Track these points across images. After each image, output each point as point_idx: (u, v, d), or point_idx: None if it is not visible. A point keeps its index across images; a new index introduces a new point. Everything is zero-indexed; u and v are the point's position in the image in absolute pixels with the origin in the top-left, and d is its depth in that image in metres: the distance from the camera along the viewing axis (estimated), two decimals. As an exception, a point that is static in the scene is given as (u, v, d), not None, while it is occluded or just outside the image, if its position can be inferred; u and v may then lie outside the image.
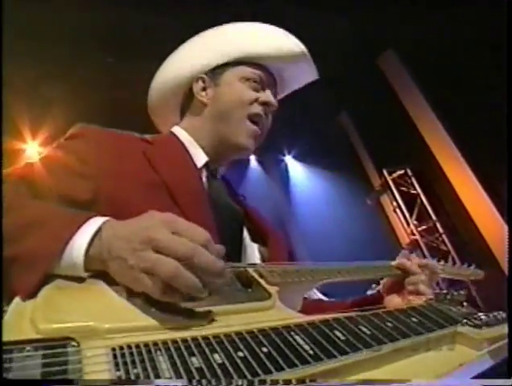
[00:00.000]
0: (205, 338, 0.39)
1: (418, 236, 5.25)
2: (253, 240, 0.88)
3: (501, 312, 0.68)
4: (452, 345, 0.57)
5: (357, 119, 5.73)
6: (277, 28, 0.94)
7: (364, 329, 0.49)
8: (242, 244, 0.85)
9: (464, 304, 0.72)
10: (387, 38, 4.87)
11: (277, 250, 0.88)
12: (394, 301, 0.84)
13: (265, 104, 0.90)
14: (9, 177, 0.65)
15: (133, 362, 0.34)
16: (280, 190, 6.23)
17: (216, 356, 0.36)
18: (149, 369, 0.34)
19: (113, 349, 0.36)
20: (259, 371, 0.35)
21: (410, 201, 5.39)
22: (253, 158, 6.01)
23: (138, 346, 0.36)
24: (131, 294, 0.46)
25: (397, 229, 5.55)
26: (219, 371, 0.35)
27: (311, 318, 0.49)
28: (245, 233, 0.88)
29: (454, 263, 1.13)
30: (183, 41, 1.01)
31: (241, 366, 0.36)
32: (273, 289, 0.61)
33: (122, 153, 0.76)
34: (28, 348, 0.33)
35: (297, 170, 6.27)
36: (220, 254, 0.47)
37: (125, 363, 0.34)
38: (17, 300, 0.43)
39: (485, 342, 0.59)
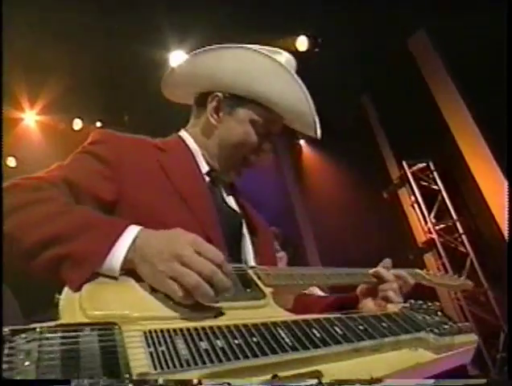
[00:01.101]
0: (211, 327, 0.58)
1: (435, 235, 5.35)
2: (248, 231, 1.10)
3: (466, 323, 0.86)
4: (414, 348, 0.75)
5: (379, 103, 5.77)
6: (305, 90, 1.03)
7: (337, 329, 0.68)
8: (242, 237, 1.06)
9: (439, 313, 0.90)
10: (419, 17, 4.86)
11: (264, 240, 1.12)
12: (367, 305, 1.02)
13: (262, 151, 1.09)
14: (50, 179, 0.82)
15: (159, 342, 0.53)
16: (291, 176, 6.38)
17: (219, 342, 0.55)
18: (170, 348, 0.53)
19: (145, 332, 0.55)
20: (249, 355, 0.54)
21: (430, 197, 5.46)
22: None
23: (162, 331, 0.55)
24: (154, 290, 0.65)
25: (413, 226, 5.66)
26: (220, 353, 0.54)
27: (295, 317, 0.68)
28: (244, 227, 1.09)
29: (446, 272, 1.30)
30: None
31: (237, 350, 0.55)
32: (268, 290, 0.79)
33: (140, 160, 0.95)
34: (87, 329, 0.52)
35: (310, 156, 6.41)
36: (229, 273, 0.68)
37: (153, 343, 0.53)
38: (67, 290, 0.62)
39: (445, 347, 0.78)
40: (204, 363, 0.52)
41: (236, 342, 0.56)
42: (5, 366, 0.45)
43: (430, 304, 0.90)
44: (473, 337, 0.85)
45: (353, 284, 1.00)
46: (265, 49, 1.07)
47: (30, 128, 4.97)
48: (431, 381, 0.73)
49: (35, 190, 0.76)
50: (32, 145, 5.02)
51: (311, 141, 6.30)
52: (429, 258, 5.57)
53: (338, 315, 0.73)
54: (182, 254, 0.64)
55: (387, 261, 1.07)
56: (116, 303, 0.60)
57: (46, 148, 5.02)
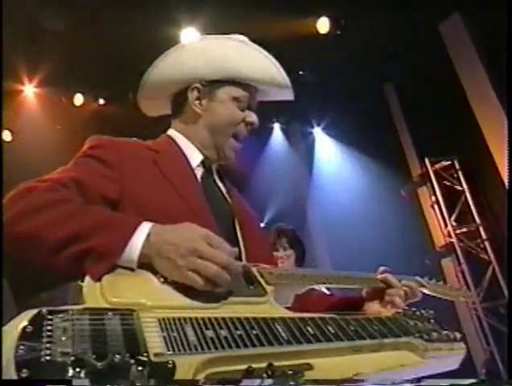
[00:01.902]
0: (216, 319, 0.73)
1: (455, 239, 5.42)
2: (238, 220, 1.26)
3: (456, 332, 0.99)
4: (402, 351, 0.89)
5: (403, 93, 5.81)
6: (270, 57, 1.26)
7: (330, 328, 0.82)
8: (235, 226, 1.23)
9: (431, 321, 1.04)
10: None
11: (252, 229, 1.29)
12: (372, 307, 1.17)
13: (249, 124, 1.27)
14: (62, 181, 0.97)
15: (171, 329, 0.68)
16: (303, 166, 6.50)
17: (223, 332, 0.70)
18: (181, 334, 0.67)
19: (159, 319, 0.69)
20: (248, 345, 0.68)
21: (453, 198, 5.52)
22: (277, 126, 6.25)
23: (173, 319, 0.70)
24: (166, 282, 0.80)
25: (432, 228, 5.75)
26: (224, 341, 0.68)
27: (292, 314, 0.83)
28: (236, 216, 1.26)
29: (465, 280, 1.44)
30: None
31: (238, 340, 0.69)
32: (269, 289, 0.94)
33: (137, 162, 1.12)
34: (110, 313, 0.67)
35: (325, 146, 6.51)
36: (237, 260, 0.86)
37: (167, 329, 0.67)
38: (88, 279, 0.77)
39: (431, 353, 0.92)
40: (209, 349, 0.66)
41: (238, 333, 0.70)
42: (46, 339, 0.59)
43: (423, 311, 1.04)
44: (461, 345, 0.99)
45: (353, 288, 1.14)
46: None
47: (29, 101, 5.13)
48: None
49: (51, 191, 0.92)
50: (30, 119, 5.19)
51: (327, 129, 6.39)
52: (447, 264, 5.66)
53: (333, 315, 0.87)
54: (199, 249, 0.81)
55: (388, 269, 1.22)
56: (133, 292, 0.75)
57: (44, 123, 5.20)
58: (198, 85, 1.25)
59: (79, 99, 5.33)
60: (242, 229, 1.24)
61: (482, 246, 5.39)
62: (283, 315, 0.81)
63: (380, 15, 4.47)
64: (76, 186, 0.97)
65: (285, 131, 6.35)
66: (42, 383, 0.55)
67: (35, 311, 0.64)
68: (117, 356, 0.59)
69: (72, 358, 0.57)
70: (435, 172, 5.55)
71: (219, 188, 1.30)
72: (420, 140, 5.73)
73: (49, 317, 0.63)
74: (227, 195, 1.31)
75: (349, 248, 5.58)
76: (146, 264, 0.82)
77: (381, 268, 1.23)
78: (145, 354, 0.61)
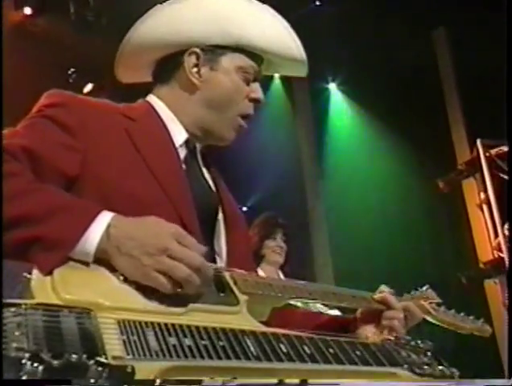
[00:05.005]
0: (180, 325, 0.96)
1: (506, 255, 5.67)
2: (222, 215, 1.50)
3: (453, 369, 1.25)
4: (384, 380, 1.15)
5: (458, 44, 5.96)
6: (287, 26, 1.45)
7: (306, 348, 1.06)
8: (216, 222, 1.47)
9: (428, 354, 1.29)
10: None
11: (237, 227, 1.53)
12: (367, 331, 1.43)
13: (254, 100, 1.49)
14: (10, 149, 1.13)
15: (131, 332, 0.91)
16: (308, 137, 6.68)
17: (186, 340, 0.93)
18: (142, 339, 0.90)
19: (118, 321, 0.92)
20: (213, 356, 0.92)
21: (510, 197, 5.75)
22: (277, 78, 6.35)
23: (134, 322, 0.93)
24: (125, 281, 1.03)
25: (477, 236, 5.99)
26: (187, 350, 0.92)
27: (264, 329, 1.07)
28: (220, 211, 1.50)
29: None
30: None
31: (202, 350, 0.93)
32: (242, 298, 1.18)
33: (106, 129, 1.31)
34: (65, 310, 0.89)
35: (341, 106, 6.67)
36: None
37: (126, 332, 0.91)
38: (36, 272, 0.98)
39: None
40: (171, 356, 0.89)
41: (203, 342, 0.94)
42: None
43: (419, 342, 1.29)
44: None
45: (340, 305, 1.39)
46: None
47: None
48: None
49: None
50: None
51: (344, 86, 6.52)
52: (492, 287, 5.92)
53: (311, 335, 1.11)
54: (168, 248, 1.02)
55: (387, 289, 1.47)
56: (89, 290, 0.98)
57: None
58: (197, 50, 1.44)
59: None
60: (227, 226, 1.48)
61: (542, 268, 5.68)
62: (255, 329, 1.05)
63: None
64: (27, 158, 1.16)
65: (287, 85, 6.47)
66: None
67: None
68: (74, 356, 0.82)
69: (27, 354, 0.80)
70: (490, 160, 5.76)
71: (203, 175, 1.51)
72: (474, 114, 5.85)
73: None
74: (212, 184, 1.53)
75: (360, 252, 5.83)
76: (102, 259, 1.05)
77: (382, 287, 1.48)
78: (103, 356, 0.84)
